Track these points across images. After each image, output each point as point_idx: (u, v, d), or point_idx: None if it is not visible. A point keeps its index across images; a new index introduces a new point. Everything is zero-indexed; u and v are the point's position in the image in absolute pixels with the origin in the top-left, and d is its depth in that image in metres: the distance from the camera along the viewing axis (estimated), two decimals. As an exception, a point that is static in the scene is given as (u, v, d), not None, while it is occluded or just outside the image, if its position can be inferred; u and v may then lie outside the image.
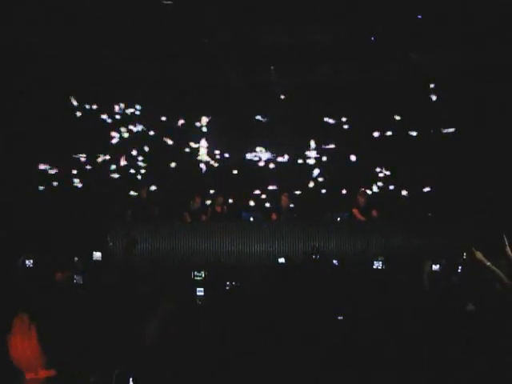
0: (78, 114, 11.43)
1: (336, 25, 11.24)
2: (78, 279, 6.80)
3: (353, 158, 11.60)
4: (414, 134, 11.54)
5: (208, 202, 11.31)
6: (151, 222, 10.81)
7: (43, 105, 11.21)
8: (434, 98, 11.33)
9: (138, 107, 11.76)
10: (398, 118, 11.57)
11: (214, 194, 11.40)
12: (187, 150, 11.64)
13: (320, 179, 11.59)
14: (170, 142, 11.64)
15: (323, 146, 11.79)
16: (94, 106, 11.46)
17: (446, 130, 11.40)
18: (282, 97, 11.99)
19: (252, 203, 11.45)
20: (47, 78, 11.25)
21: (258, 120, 11.88)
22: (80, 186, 11.14)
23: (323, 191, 11.68)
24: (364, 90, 11.83)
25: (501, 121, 11.25)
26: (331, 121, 11.83)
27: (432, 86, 11.40)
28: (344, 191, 11.57)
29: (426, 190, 11.33)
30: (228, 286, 6.70)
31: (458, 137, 11.46)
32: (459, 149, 11.48)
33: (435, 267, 6.49)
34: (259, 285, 6.96)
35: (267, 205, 11.49)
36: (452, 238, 9.54)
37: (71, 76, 11.40)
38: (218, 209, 11.29)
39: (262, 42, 11.60)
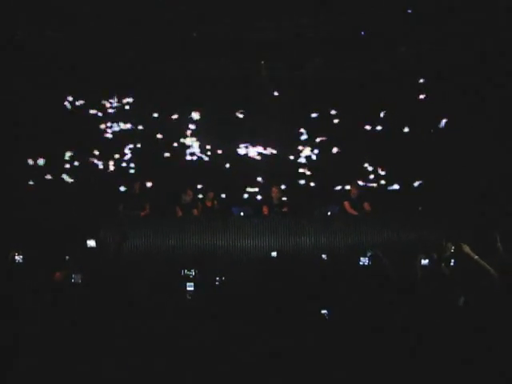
0: (68, 106, 11.40)
1: (326, 19, 11.24)
2: (76, 278, 6.82)
3: (341, 151, 11.57)
4: (406, 129, 11.53)
5: (199, 197, 11.30)
6: (143, 216, 10.82)
7: (33, 99, 11.17)
8: (421, 96, 11.31)
9: (128, 101, 11.73)
10: (387, 111, 11.55)
11: (204, 189, 11.38)
12: (176, 144, 11.63)
13: (308, 173, 11.54)
14: (160, 136, 11.62)
15: (314, 140, 11.80)
16: (82, 102, 11.43)
17: (440, 123, 11.36)
18: (276, 93, 11.94)
19: (246, 195, 11.47)
20: (40, 73, 11.21)
21: (242, 114, 11.85)
22: (71, 180, 11.10)
23: (313, 185, 11.66)
24: (354, 84, 11.84)
25: (492, 114, 11.25)
26: (319, 115, 11.81)
27: (421, 80, 11.40)
28: (338, 187, 11.53)
29: (417, 183, 11.32)
30: (218, 281, 6.71)
31: (448, 130, 11.47)
32: (450, 142, 11.50)
33: (424, 262, 6.50)
34: (250, 279, 6.96)
35: (258, 197, 11.50)
36: (442, 231, 9.55)
37: (63, 71, 11.37)
38: (209, 204, 11.27)
39: (253, 37, 11.59)
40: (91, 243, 8.20)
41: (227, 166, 11.67)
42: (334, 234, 10.17)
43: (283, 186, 11.34)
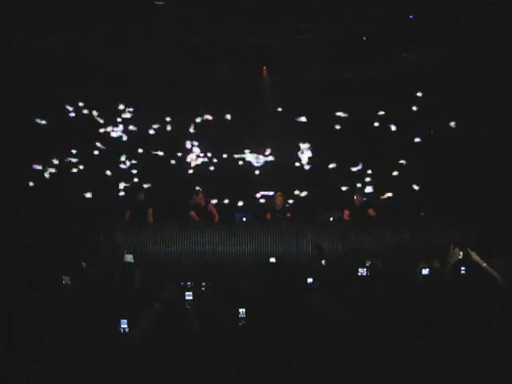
0: (72, 114, 11.37)
1: (328, 24, 11.21)
2: (66, 279, 6.76)
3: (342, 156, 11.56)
4: (417, 140, 11.48)
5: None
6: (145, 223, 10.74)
7: (35, 104, 11.13)
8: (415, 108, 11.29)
9: (131, 107, 11.72)
10: (387, 115, 11.52)
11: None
12: (178, 151, 11.64)
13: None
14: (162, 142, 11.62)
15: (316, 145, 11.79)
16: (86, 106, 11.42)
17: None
18: (280, 109, 11.84)
19: (240, 203, 11.42)
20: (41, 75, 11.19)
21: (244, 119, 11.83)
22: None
23: (315, 191, 11.64)
24: (355, 88, 11.80)
25: (494, 118, 11.17)
26: (320, 119, 11.80)
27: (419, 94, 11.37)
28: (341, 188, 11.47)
29: (417, 188, 11.26)
30: (204, 286, 6.62)
31: (450, 135, 11.43)
32: (453, 147, 11.44)
33: (425, 271, 6.37)
34: (248, 283, 6.87)
35: (262, 201, 11.46)
36: (446, 238, 9.42)
37: (64, 76, 11.33)
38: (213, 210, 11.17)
39: (254, 42, 11.57)
40: (128, 258, 8.01)
41: (229, 171, 11.65)
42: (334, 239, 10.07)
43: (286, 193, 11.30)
